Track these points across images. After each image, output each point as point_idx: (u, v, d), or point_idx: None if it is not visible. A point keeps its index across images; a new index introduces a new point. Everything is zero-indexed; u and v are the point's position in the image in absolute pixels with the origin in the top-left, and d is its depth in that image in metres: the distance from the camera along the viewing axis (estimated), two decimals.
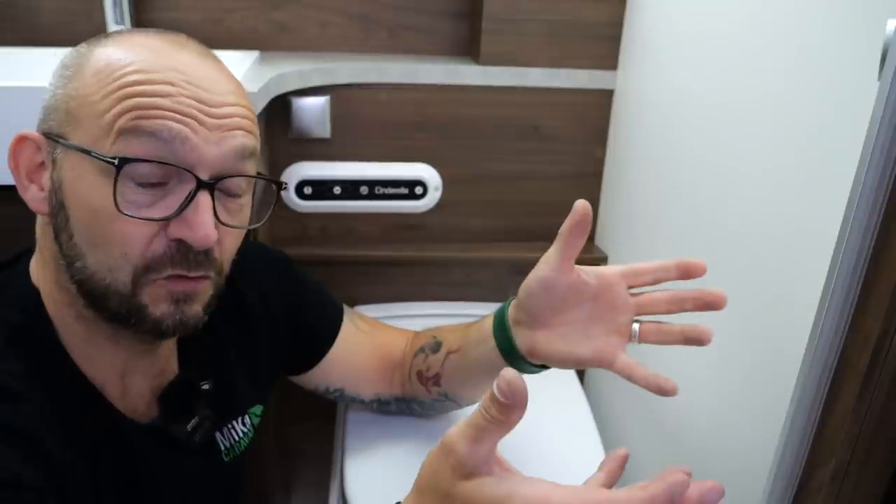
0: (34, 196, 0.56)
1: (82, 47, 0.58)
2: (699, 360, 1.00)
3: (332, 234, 1.29)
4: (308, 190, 1.24)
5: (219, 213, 0.56)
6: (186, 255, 0.55)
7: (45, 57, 1.12)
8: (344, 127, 1.23)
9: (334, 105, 1.21)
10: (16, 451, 0.50)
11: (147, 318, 0.56)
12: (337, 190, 1.25)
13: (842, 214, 0.57)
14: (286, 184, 0.63)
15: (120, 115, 0.52)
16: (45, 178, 0.56)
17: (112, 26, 1.14)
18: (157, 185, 0.53)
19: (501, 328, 0.72)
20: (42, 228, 0.58)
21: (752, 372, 0.87)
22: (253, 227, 0.61)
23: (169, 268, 0.55)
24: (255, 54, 1.17)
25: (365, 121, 1.23)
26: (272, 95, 1.05)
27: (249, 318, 0.73)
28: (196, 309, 0.58)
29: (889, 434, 0.63)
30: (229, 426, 0.72)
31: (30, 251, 0.62)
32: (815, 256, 0.69)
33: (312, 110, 1.20)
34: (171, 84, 0.53)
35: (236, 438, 0.72)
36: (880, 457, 0.65)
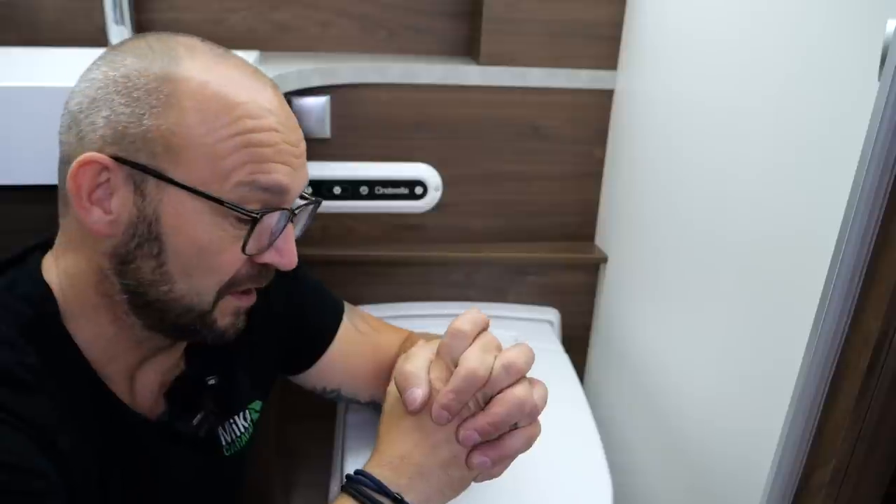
0: (98, 219, 0.56)
1: (153, 66, 0.55)
2: (699, 360, 1.00)
3: (331, 234, 1.29)
4: (308, 190, 1.23)
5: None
6: (267, 274, 0.62)
7: (44, 57, 1.13)
8: (344, 127, 1.23)
9: (334, 105, 1.21)
10: (30, 440, 0.51)
11: (215, 329, 0.61)
12: (337, 190, 1.25)
13: (842, 214, 0.57)
14: (322, 200, 0.68)
15: (238, 166, 0.56)
16: (118, 202, 0.56)
17: (112, 26, 1.13)
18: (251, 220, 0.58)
19: None
20: (81, 239, 0.58)
21: (752, 372, 0.87)
22: (298, 236, 0.66)
23: (248, 284, 0.61)
24: (255, 54, 1.17)
25: (365, 121, 1.23)
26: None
27: (252, 314, 0.73)
28: (245, 318, 0.64)
29: (889, 434, 0.63)
30: (231, 421, 0.73)
31: (40, 248, 0.62)
32: (815, 256, 0.69)
33: (312, 110, 1.20)
34: (276, 130, 0.57)
35: (237, 434, 0.73)
36: (880, 457, 0.65)
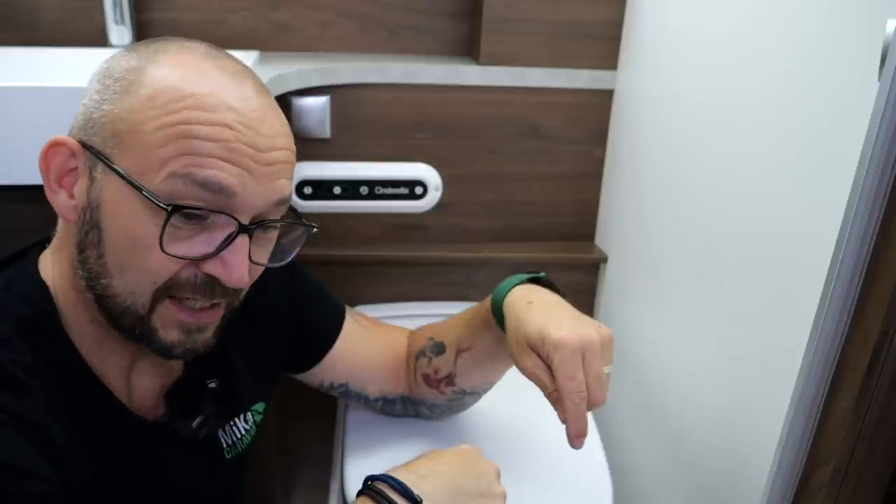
0: (63, 203, 0.56)
1: (133, 59, 0.55)
2: (699, 360, 1.00)
3: (332, 234, 1.29)
4: (308, 190, 1.24)
5: (252, 253, 0.57)
6: (213, 288, 0.56)
7: (44, 57, 1.13)
8: (344, 127, 1.23)
9: (334, 105, 1.21)
10: (27, 441, 0.51)
11: (157, 341, 0.57)
12: (337, 190, 1.25)
13: (842, 214, 0.57)
14: (317, 227, 0.64)
15: (173, 156, 0.52)
16: (79, 188, 0.55)
17: (112, 26, 1.14)
18: (197, 219, 0.54)
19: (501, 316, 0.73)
20: (65, 231, 0.58)
21: (752, 372, 0.87)
22: (277, 265, 0.62)
23: (190, 293, 0.56)
24: (255, 54, 1.17)
25: (365, 121, 1.23)
26: (272, 96, 1.05)
27: (253, 315, 0.73)
28: (206, 336, 0.59)
29: (889, 434, 0.63)
30: (231, 423, 0.72)
31: (39, 245, 0.62)
32: (815, 256, 0.69)
33: (312, 110, 1.20)
34: (228, 127, 0.53)
35: (238, 435, 0.73)
36: (880, 457, 0.65)
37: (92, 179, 0.54)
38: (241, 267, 0.55)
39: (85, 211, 0.55)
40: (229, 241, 0.54)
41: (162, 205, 0.52)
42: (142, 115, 0.53)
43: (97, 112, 0.54)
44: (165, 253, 0.53)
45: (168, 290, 0.55)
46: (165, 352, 0.58)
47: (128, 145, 0.53)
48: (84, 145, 0.55)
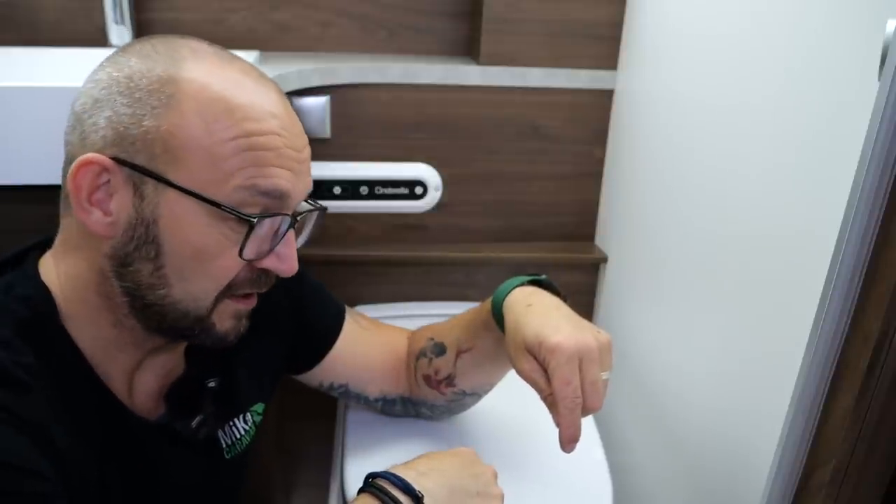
0: (97, 220, 0.56)
1: (157, 67, 0.55)
2: (699, 360, 1.00)
3: (331, 234, 1.29)
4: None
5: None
6: (267, 279, 0.61)
7: (44, 57, 1.13)
8: (344, 127, 1.23)
9: (334, 105, 1.21)
10: (27, 440, 0.51)
11: (214, 333, 0.61)
12: (337, 190, 1.25)
13: (842, 214, 0.57)
14: (327, 209, 0.67)
15: (237, 169, 0.55)
16: (118, 204, 0.55)
17: (112, 26, 1.14)
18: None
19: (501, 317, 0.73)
20: (82, 240, 0.58)
21: (752, 372, 0.87)
22: (298, 247, 0.65)
23: (248, 288, 0.61)
24: (255, 54, 1.17)
25: (365, 121, 1.23)
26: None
27: (253, 316, 0.73)
28: (247, 321, 0.64)
29: (889, 434, 0.63)
30: (231, 423, 0.72)
31: (38, 247, 0.62)
32: (815, 256, 0.69)
33: (312, 110, 1.20)
34: (277, 134, 0.56)
35: (238, 436, 0.73)
36: (880, 457, 0.65)
37: (141, 196, 0.55)
38: (293, 257, 0.61)
39: (134, 227, 0.56)
40: (282, 236, 0.59)
41: (248, 218, 0.56)
42: (195, 130, 0.54)
43: (136, 128, 0.54)
44: (244, 259, 0.57)
45: (229, 290, 0.59)
46: (221, 341, 0.62)
47: (184, 161, 0.54)
48: (122, 162, 0.54)
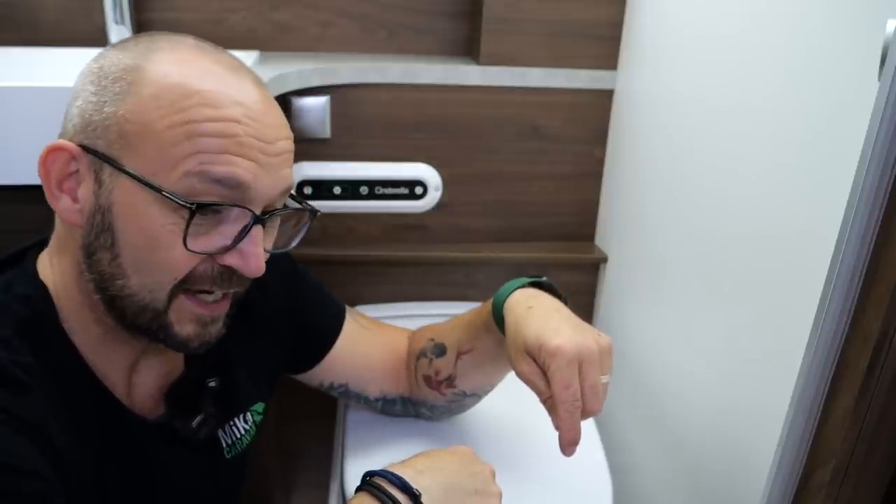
0: (66, 207, 0.56)
1: (126, 57, 0.55)
2: (699, 360, 1.00)
3: (331, 234, 1.29)
4: (308, 190, 1.24)
5: (264, 242, 0.58)
6: (230, 277, 0.58)
7: (44, 57, 1.13)
8: (344, 127, 1.23)
9: (334, 105, 1.21)
10: (26, 440, 0.51)
11: (174, 336, 0.58)
12: (337, 190, 1.25)
13: (842, 214, 0.57)
14: (319, 212, 0.64)
15: (187, 155, 0.52)
16: (83, 191, 0.55)
17: (112, 26, 1.14)
18: (212, 214, 0.55)
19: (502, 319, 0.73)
20: (67, 234, 0.58)
21: (752, 372, 0.87)
22: (283, 250, 0.63)
23: (208, 285, 0.57)
24: (255, 54, 1.17)
25: (365, 121, 1.23)
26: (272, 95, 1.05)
27: (253, 315, 0.73)
28: (218, 327, 0.61)
29: (889, 434, 0.63)
30: (231, 423, 0.72)
31: (38, 246, 0.62)
32: (815, 256, 0.69)
33: (312, 110, 1.20)
34: (237, 122, 0.53)
35: (238, 435, 0.73)
36: (880, 457, 0.65)
37: (99, 183, 0.54)
38: (258, 256, 0.57)
39: (94, 214, 0.55)
40: (245, 232, 0.56)
41: (186, 204, 0.52)
42: (149, 115, 0.53)
43: (98, 115, 0.54)
44: (189, 250, 0.54)
45: (185, 285, 0.56)
46: (182, 346, 0.59)
47: (137, 146, 0.53)
48: (86, 149, 0.54)
